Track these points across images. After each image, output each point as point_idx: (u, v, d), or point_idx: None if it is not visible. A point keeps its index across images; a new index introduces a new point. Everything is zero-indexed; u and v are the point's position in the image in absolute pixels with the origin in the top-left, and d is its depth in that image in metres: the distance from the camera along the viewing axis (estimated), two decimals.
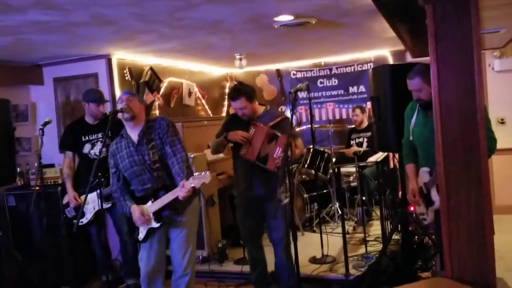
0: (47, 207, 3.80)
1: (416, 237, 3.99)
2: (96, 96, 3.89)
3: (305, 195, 5.23)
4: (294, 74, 6.60)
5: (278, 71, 6.60)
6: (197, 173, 2.79)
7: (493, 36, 3.93)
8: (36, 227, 4.19)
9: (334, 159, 5.31)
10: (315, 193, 5.21)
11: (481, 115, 2.01)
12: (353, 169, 5.36)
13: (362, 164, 5.18)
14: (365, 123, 5.74)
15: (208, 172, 2.77)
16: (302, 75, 6.55)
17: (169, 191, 2.89)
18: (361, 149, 5.40)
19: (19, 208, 4.21)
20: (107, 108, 4.38)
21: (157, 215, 2.93)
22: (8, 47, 3.80)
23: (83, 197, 3.76)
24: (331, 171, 5.27)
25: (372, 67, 6.02)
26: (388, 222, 4.46)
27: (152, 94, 5.00)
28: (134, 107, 2.97)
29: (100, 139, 3.87)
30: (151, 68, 5.00)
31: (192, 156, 4.39)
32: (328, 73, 6.44)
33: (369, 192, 5.47)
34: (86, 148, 3.89)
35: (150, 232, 2.99)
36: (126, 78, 4.70)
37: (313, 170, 5.12)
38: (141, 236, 3.00)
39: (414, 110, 2.95)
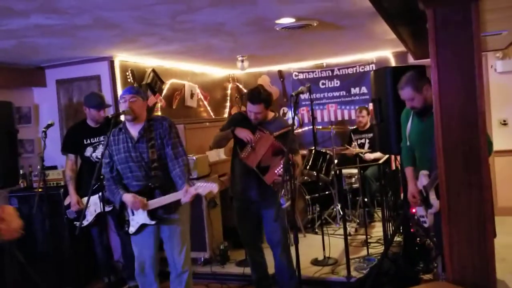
0: (49, 209, 3.82)
1: (418, 239, 3.99)
2: (97, 101, 3.89)
3: (307, 197, 5.24)
4: (296, 75, 6.60)
5: (280, 72, 6.61)
6: (202, 181, 2.80)
7: (495, 38, 3.93)
8: (38, 229, 4.21)
9: (336, 161, 5.31)
10: (317, 195, 5.21)
11: (482, 119, 2.01)
12: (355, 171, 5.36)
13: (364, 165, 5.18)
14: (368, 124, 5.74)
15: (216, 184, 2.79)
16: (304, 76, 6.56)
17: (164, 190, 2.91)
18: (363, 151, 5.40)
19: (22, 210, 4.23)
20: (110, 110, 4.40)
21: (152, 213, 2.95)
22: (11, 50, 3.82)
23: (85, 199, 3.77)
24: (333, 172, 5.27)
25: (374, 68, 6.02)
26: (390, 224, 4.46)
27: (155, 96, 5.02)
28: (137, 108, 2.98)
29: (102, 142, 3.88)
30: (153, 70, 5.01)
31: (194, 157, 4.40)
32: (330, 74, 6.44)
33: (371, 193, 5.47)
34: (88, 151, 3.90)
35: (143, 227, 3.01)
36: (129, 80, 4.71)
37: (315, 172, 5.12)
38: (132, 229, 3.02)
39: (409, 115, 2.96)
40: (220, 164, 4.85)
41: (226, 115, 6.71)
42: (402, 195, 4.07)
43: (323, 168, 5.24)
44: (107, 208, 3.72)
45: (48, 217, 3.81)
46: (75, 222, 3.87)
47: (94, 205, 3.76)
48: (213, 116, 6.33)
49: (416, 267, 3.79)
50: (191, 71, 5.89)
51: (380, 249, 4.41)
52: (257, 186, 3.34)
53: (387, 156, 4.53)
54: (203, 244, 4.39)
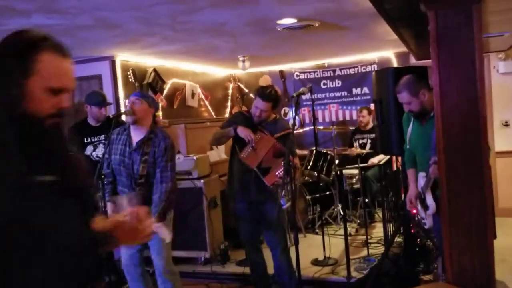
0: None
1: (418, 239, 3.99)
2: (98, 99, 3.90)
3: (308, 197, 5.24)
4: (297, 76, 6.59)
5: (281, 72, 6.60)
6: (163, 228, 2.77)
7: (497, 39, 3.93)
8: None
9: (337, 161, 5.31)
10: (317, 195, 5.21)
11: (483, 121, 2.01)
12: (356, 171, 5.36)
13: (365, 166, 5.18)
14: (370, 125, 5.72)
15: (170, 237, 2.81)
16: (306, 77, 6.55)
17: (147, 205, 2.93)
18: (364, 151, 5.40)
19: None
20: (111, 109, 4.41)
21: None
22: None
23: None
24: (333, 173, 5.27)
25: (376, 68, 6.02)
26: (391, 225, 4.46)
27: (156, 95, 5.02)
28: (139, 111, 2.98)
29: (103, 141, 3.88)
30: (154, 70, 5.01)
31: (195, 157, 4.41)
32: (332, 74, 6.43)
33: (371, 194, 5.46)
34: (88, 150, 3.91)
35: None
36: (130, 79, 4.72)
37: (315, 172, 5.12)
38: None
39: (410, 118, 2.98)
40: (220, 164, 4.85)
41: (227, 115, 6.71)
42: (403, 196, 4.07)
43: (324, 169, 5.24)
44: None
45: None
46: None
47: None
48: (214, 116, 6.34)
49: (416, 268, 3.79)
50: (192, 70, 5.89)
51: (381, 249, 4.41)
52: (255, 186, 3.33)
53: (388, 157, 4.53)
54: (204, 244, 4.40)
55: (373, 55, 6.11)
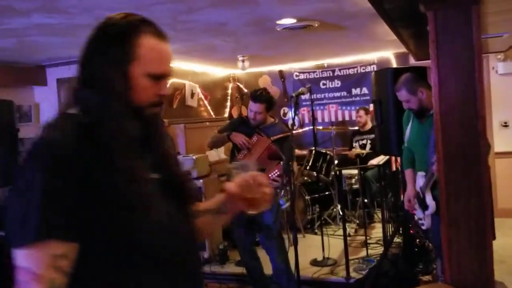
0: None
1: (417, 240, 3.99)
2: None
3: (307, 197, 5.24)
4: (297, 76, 6.59)
5: (281, 72, 6.60)
6: None
7: (496, 39, 3.93)
8: None
9: (336, 161, 5.31)
10: (316, 195, 5.21)
11: (482, 122, 2.01)
12: (355, 172, 5.36)
13: (364, 166, 5.19)
14: (369, 125, 5.72)
15: None
16: (305, 77, 6.55)
17: None
18: (364, 152, 5.40)
19: None
20: None
21: None
22: (12, 49, 3.83)
23: None
24: (333, 173, 5.27)
25: (375, 69, 6.02)
26: (390, 225, 4.46)
27: None
28: None
29: None
30: None
31: (194, 157, 4.41)
32: (331, 74, 6.43)
33: (371, 194, 5.47)
34: None
35: None
36: None
37: (315, 172, 5.12)
38: None
39: (410, 117, 2.99)
40: (220, 164, 4.85)
41: (226, 114, 6.71)
42: (402, 196, 4.07)
43: (323, 169, 5.24)
44: None
45: None
46: None
47: None
48: (214, 116, 6.34)
49: (416, 268, 3.79)
50: (191, 70, 5.89)
51: (380, 250, 4.41)
52: None
53: (387, 157, 4.54)
54: (203, 244, 4.40)
55: (373, 56, 6.11)
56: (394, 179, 4.70)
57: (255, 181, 1.23)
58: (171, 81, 5.42)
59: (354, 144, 5.78)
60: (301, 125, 6.59)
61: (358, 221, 5.37)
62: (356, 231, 5.19)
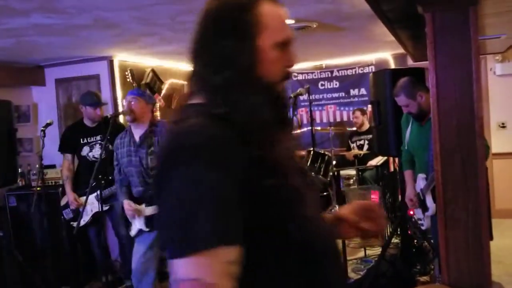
0: (48, 208, 3.82)
1: (415, 241, 4.00)
2: (92, 99, 3.89)
3: None
4: (295, 76, 6.60)
5: None
6: None
7: (494, 41, 3.94)
8: (37, 227, 4.21)
9: (334, 162, 5.32)
10: None
11: (479, 123, 2.02)
12: (353, 172, 5.37)
13: (362, 167, 5.19)
14: (366, 125, 5.73)
15: None
16: (303, 77, 6.56)
17: None
18: (362, 152, 5.41)
19: (20, 209, 4.23)
20: (109, 109, 4.41)
21: (148, 220, 2.96)
22: (10, 49, 3.82)
23: (82, 198, 3.78)
24: (331, 173, 5.28)
25: (373, 70, 6.03)
26: (388, 226, 4.47)
27: (154, 95, 5.02)
28: (137, 109, 2.99)
29: (99, 141, 3.88)
30: (152, 70, 5.01)
31: None
32: (329, 75, 6.44)
33: None
34: (85, 150, 3.90)
35: (141, 232, 3.03)
36: (128, 79, 4.72)
37: (313, 173, 5.13)
38: (132, 232, 3.06)
39: (409, 120, 2.99)
40: None
41: None
42: (400, 197, 4.08)
43: (322, 169, 5.24)
44: (104, 207, 3.72)
45: (46, 216, 3.81)
46: (71, 223, 3.87)
47: (90, 204, 3.76)
48: None
49: (413, 269, 3.80)
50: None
51: (378, 250, 4.42)
52: None
53: (385, 158, 4.55)
54: None
55: (371, 57, 6.12)
56: (392, 179, 4.71)
57: (373, 211, 1.13)
58: (170, 81, 5.43)
59: (351, 145, 5.79)
60: (299, 125, 6.59)
61: None
62: None
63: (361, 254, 4.38)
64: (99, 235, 3.93)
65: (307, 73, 6.55)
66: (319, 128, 6.01)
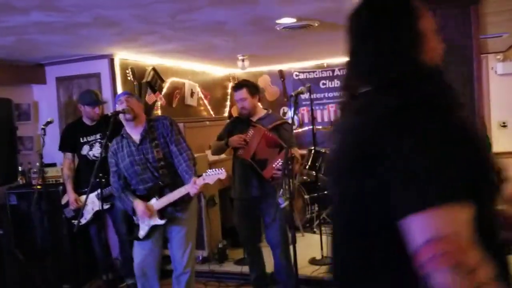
0: (48, 206, 3.82)
1: None
2: (91, 98, 3.88)
3: (306, 196, 5.24)
4: (296, 75, 6.60)
5: (280, 72, 6.60)
6: (210, 170, 2.82)
7: (496, 40, 3.94)
8: (37, 226, 4.21)
9: None
10: (315, 194, 5.21)
11: (480, 122, 2.01)
12: None
13: None
14: None
15: (223, 169, 2.81)
16: (305, 76, 6.55)
17: (174, 188, 2.90)
18: None
19: (21, 207, 4.24)
20: (110, 107, 4.40)
21: (162, 212, 2.95)
22: (11, 47, 3.82)
23: (82, 197, 3.78)
24: None
25: None
26: None
27: (155, 94, 5.02)
28: (135, 107, 2.99)
29: (98, 140, 3.87)
30: (153, 68, 5.01)
31: None
32: (331, 74, 6.43)
33: None
34: (85, 149, 3.90)
35: (153, 229, 3.00)
36: (129, 78, 4.71)
37: (314, 172, 5.13)
38: (142, 233, 3.00)
39: None
40: (219, 163, 4.84)
41: (226, 114, 6.71)
42: None
43: (323, 168, 5.24)
44: (105, 206, 3.72)
45: (47, 214, 3.81)
46: (72, 221, 3.87)
47: (91, 203, 3.76)
48: (213, 115, 6.33)
49: None
50: (191, 69, 5.89)
51: None
52: (257, 184, 3.35)
53: None
54: (202, 243, 4.40)
55: None
56: None
57: None
58: (171, 80, 5.43)
59: None
60: (301, 124, 6.59)
61: None
62: None
63: None
64: (99, 233, 3.94)
65: (309, 72, 6.54)
66: (320, 127, 6.01)
